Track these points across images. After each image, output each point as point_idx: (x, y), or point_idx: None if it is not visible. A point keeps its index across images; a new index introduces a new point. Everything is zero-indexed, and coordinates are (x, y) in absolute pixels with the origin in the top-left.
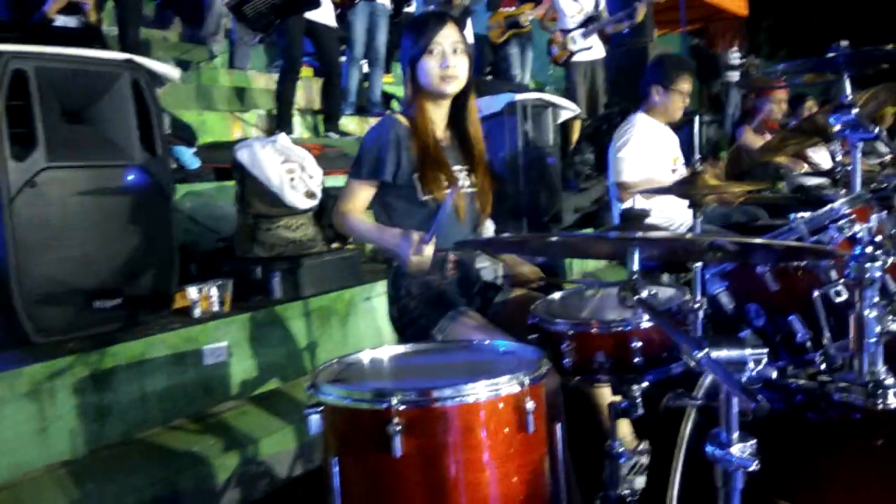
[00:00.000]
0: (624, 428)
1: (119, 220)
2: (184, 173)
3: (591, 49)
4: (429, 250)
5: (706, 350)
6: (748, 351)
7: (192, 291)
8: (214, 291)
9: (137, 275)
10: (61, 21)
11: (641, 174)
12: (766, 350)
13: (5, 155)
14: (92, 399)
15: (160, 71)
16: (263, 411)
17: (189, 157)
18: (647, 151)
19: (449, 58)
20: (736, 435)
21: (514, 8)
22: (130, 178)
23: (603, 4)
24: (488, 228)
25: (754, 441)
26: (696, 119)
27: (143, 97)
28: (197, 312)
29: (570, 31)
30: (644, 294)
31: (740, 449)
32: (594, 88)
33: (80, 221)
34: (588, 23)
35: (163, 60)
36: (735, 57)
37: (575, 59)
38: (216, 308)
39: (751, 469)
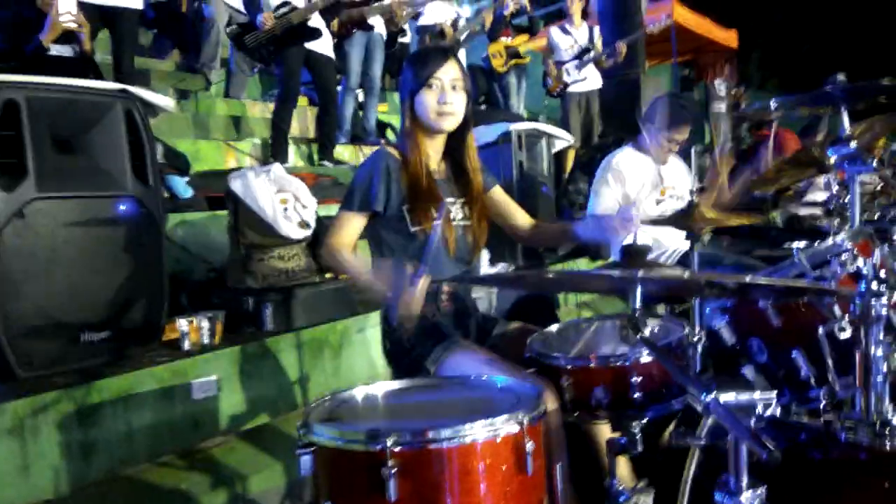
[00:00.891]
0: (623, 466)
1: (109, 251)
2: (176, 202)
3: (585, 80)
4: (421, 286)
5: (714, 394)
6: (757, 395)
7: (182, 323)
8: (205, 323)
9: (126, 307)
10: (56, 51)
11: (615, 205)
12: (774, 393)
13: None
14: (77, 435)
15: (154, 101)
16: (253, 447)
17: (182, 186)
18: (624, 185)
19: (447, 94)
20: (745, 482)
21: (510, 39)
22: (122, 208)
23: (597, 37)
24: (483, 259)
25: (764, 488)
26: (693, 151)
27: (137, 127)
28: (186, 345)
29: (564, 62)
30: (647, 332)
31: (750, 497)
32: (589, 118)
33: (68, 253)
34: (582, 55)
35: (159, 89)
36: (721, 88)
37: (570, 89)
38: (206, 340)
39: None
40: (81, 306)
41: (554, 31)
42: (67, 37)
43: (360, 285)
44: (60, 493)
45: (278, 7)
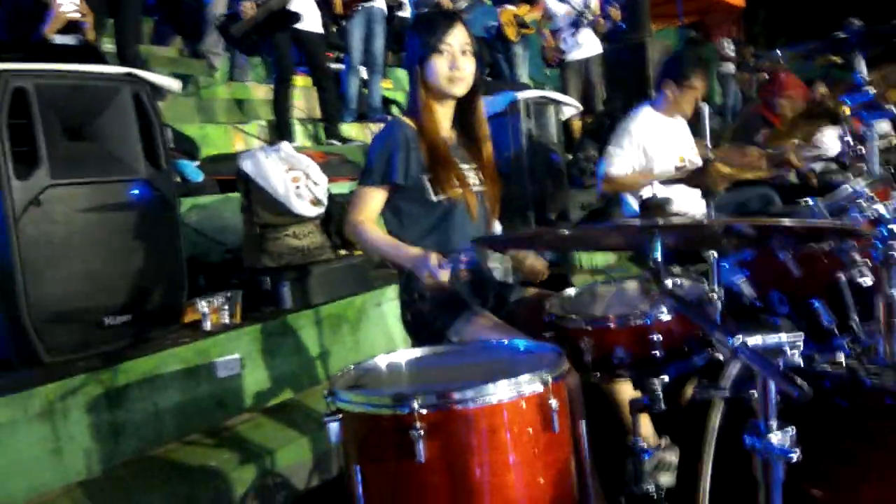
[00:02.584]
0: (645, 424)
1: (126, 236)
2: (187, 186)
3: (582, 47)
4: (445, 274)
5: (741, 338)
6: (784, 336)
7: (202, 304)
8: (224, 303)
9: (146, 290)
10: (60, 40)
11: (629, 168)
12: (801, 334)
13: (9, 174)
14: (105, 417)
15: (161, 83)
16: (278, 423)
17: (192, 170)
18: (643, 146)
19: (458, 59)
20: (775, 424)
21: (514, 7)
22: (135, 192)
23: (593, 1)
24: (497, 229)
25: (794, 429)
26: (705, 109)
27: (145, 111)
28: (207, 325)
29: (561, 31)
30: (668, 283)
31: (780, 437)
32: (589, 85)
33: (86, 238)
34: (577, 21)
35: (163, 75)
36: (730, 48)
37: (568, 57)
38: (226, 320)
39: (793, 459)
40: (102, 291)
41: (550, 1)
42: (71, 26)
43: (390, 259)
44: (92, 473)
45: None
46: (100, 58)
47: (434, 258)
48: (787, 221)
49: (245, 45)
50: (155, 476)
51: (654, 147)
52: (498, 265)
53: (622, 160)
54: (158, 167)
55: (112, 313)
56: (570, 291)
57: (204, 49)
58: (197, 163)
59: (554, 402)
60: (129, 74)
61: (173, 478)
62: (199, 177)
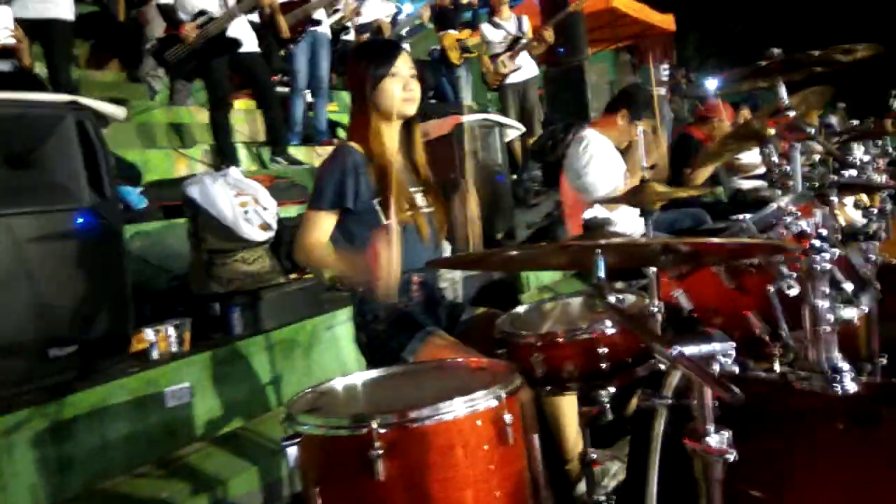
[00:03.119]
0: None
1: (70, 265)
2: (131, 213)
3: (520, 70)
4: (396, 273)
5: (678, 347)
6: (716, 344)
7: (149, 333)
8: (172, 331)
9: (92, 320)
10: None
11: (611, 187)
12: (732, 342)
13: None
14: (51, 451)
15: (105, 110)
16: (230, 452)
17: (135, 196)
18: (609, 165)
19: (409, 81)
20: (711, 427)
21: (457, 32)
22: (80, 221)
23: (527, 25)
24: (446, 249)
25: (730, 431)
26: (640, 130)
27: (89, 138)
28: (155, 354)
29: (498, 55)
30: (611, 299)
31: (717, 440)
32: (527, 107)
33: (29, 268)
34: (513, 45)
35: (101, 100)
36: (664, 72)
37: (507, 80)
38: (175, 348)
39: (730, 459)
40: (47, 322)
41: (485, 26)
42: (3, 52)
43: (342, 277)
44: None
45: (196, 16)
46: (39, 84)
47: (383, 271)
48: (718, 239)
49: (181, 70)
50: None
51: (612, 164)
52: (447, 285)
53: (603, 183)
54: (103, 195)
55: (57, 344)
56: (520, 309)
57: (143, 73)
58: (140, 189)
59: (508, 417)
60: (72, 102)
61: None
62: (143, 203)
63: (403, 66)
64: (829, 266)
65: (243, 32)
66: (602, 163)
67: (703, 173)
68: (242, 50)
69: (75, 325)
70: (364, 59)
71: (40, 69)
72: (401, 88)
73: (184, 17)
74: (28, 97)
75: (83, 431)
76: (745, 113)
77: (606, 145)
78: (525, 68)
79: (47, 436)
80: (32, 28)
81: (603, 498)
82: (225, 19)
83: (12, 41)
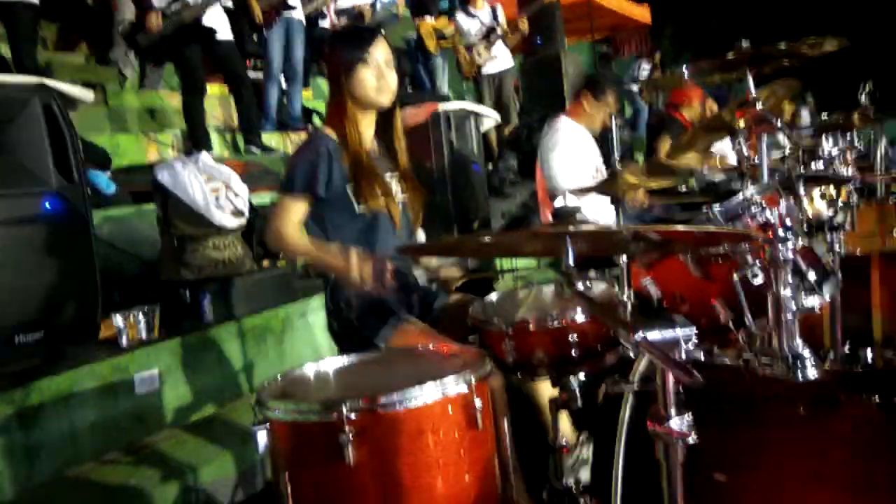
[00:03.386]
0: (564, 421)
1: (37, 250)
2: (99, 198)
3: (496, 60)
4: (367, 262)
5: (641, 333)
6: (679, 330)
7: (118, 319)
8: (141, 318)
9: (59, 305)
10: None
11: (573, 179)
12: (694, 328)
13: None
14: (18, 438)
15: (72, 93)
16: (201, 438)
17: (104, 181)
18: (574, 155)
19: (384, 70)
20: (673, 410)
21: (433, 19)
22: (46, 205)
23: (501, 15)
24: (420, 237)
25: (691, 414)
26: (613, 120)
27: (57, 121)
28: (124, 341)
29: (473, 45)
30: (580, 286)
31: (678, 423)
32: (502, 97)
33: None
34: (488, 34)
35: (70, 83)
36: (643, 69)
37: (483, 71)
38: (144, 335)
39: (690, 441)
40: (12, 307)
41: (459, 16)
42: None
43: (314, 264)
44: (4, 497)
45: (171, 3)
46: (4, 66)
47: (355, 258)
48: (686, 228)
49: (153, 55)
50: (72, 497)
51: (578, 156)
52: (422, 272)
53: (564, 173)
54: (70, 179)
55: (23, 330)
56: (493, 296)
57: (113, 56)
58: (109, 173)
59: (478, 402)
60: (39, 84)
61: (91, 498)
62: (112, 188)
63: (378, 53)
64: (792, 255)
65: (216, 18)
66: (566, 152)
67: (680, 158)
68: (217, 37)
69: (42, 310)
70: (339, 45)
71: (5, 51)
72: (374, 77)
73: (156, 3)
74: None
75: (50, 418)
76: (711, 104)
77: (577, 133)
78: (500, 59)
79: (13, 422)
80: None
81: (572, 482)
82: (200, 6)
83: None
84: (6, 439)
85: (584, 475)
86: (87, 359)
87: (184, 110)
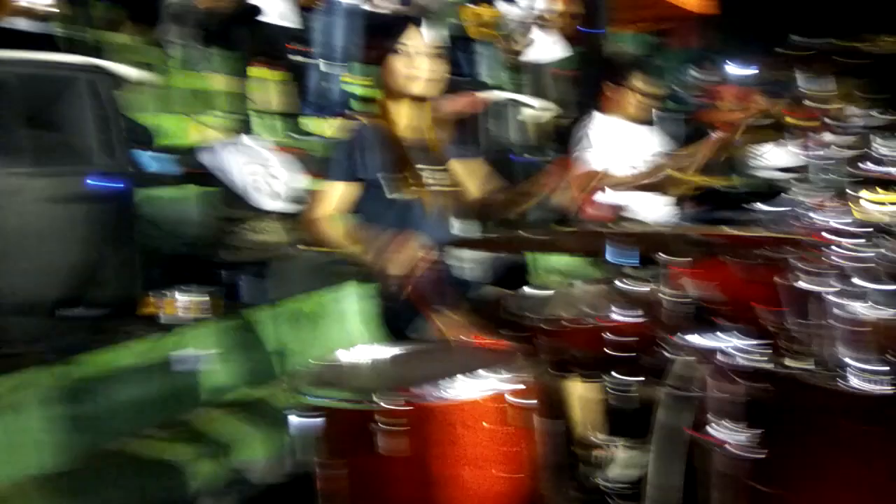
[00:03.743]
0: (599, 421)
1: (81, 226)
2: (143, 177)
3: (535, 47)
4: (405, 252)
5: (687, 338)
6: (726, 336)
7: (159, 297)
8: (181, 297)
9: (102, 282)
10: (13, 25)
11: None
12: (741, 335)
13: None
14: (60, 411)
15: (121, 73)
16: (235, 418)
17: (148, 160)
18: (599, 150)
19: (414, 59)
20: (720, 419)
21: (476, 6)
22: (92, 183)
23: (541, 2)
24: (457, 227)
25: (741, 425)
26: (659, 117)
27: (103, 101)
28: (164, 319)
29: (510, 33)
30: (622, 286)
31: (723, 433)
32: (541, 87)
33: (41, 228)
34: (525, 21)
35: (117, 62)
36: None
37: (524, 58)
38: (183, 314)
39: (738, 452)
40: (57, 282)
41: (500, 3)
42: (22, 11)
43: (345, 255)
44: (45, 468)
45: None
46: (56, 45)
47: (387, 249)
48: (732, 230)
49: (203, 35)
50: (109, 470)
51: (606, 150)
52: (456, 263)
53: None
54: (116, 158)
55: (66, 305)
56: (528, 291)
57: (159, 37)
58: (152, 153)
59: (512, 398)
60: (88, 63)
61: (128, 472)
62: (155, 167)
63: (411, 42)
64: (843, 261)
65: (273, 1)
66: (587, 148)
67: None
68: (265, 19)
69: (85, 286)
70: (377, 34)
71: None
72: (406, 66)
73: None
74: (46, 57)
75: (91, 392)
76: (762, 101)
77: (607, 127)
78: (541, 47)
79: (56, 395)
80: None
81: (603, 482)
82: None
83: (32, 4)
84: (49, 412)
85: (615, 474)
86: (128, 336)
87: (228, 92)
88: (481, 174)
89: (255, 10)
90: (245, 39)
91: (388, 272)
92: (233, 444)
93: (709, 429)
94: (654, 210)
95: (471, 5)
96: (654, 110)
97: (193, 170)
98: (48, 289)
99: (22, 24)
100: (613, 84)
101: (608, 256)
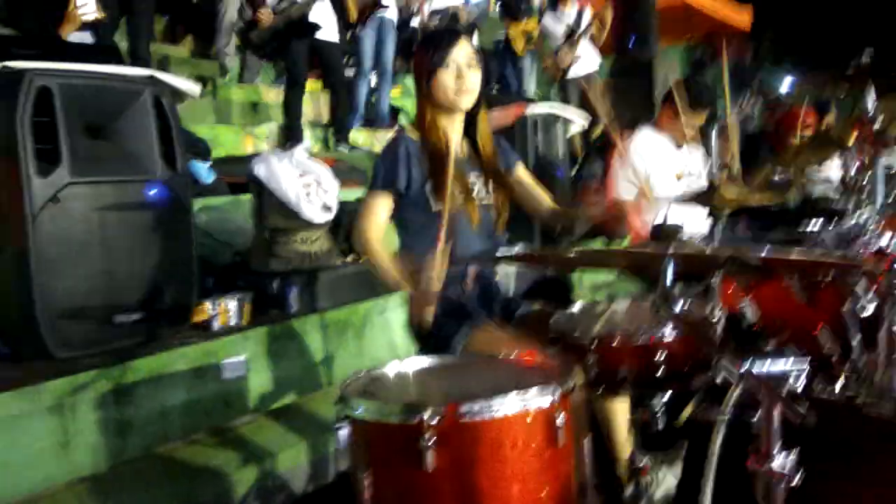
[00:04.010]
0: (643, 441)
1: (140, 235)
2: (199, 188)
3: (581, 61)
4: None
5: (749, 363)
6: (789, 364)
7: (211, 305)
8: (233, 305)
9: (158, 289)
10: (77, 38)
11: (628, 191)
12: (806, 363)
13: (30, 171)
14: (113, 413)
15: (181, 87)
16: (281, 425)
17: (204, 171)
18: (640, 167)
19: (464, 72)
20: (777, 448)
21: (523, 22)
22: (152, 192)
23: (587, 16)
24: (503, 240)
25: (796, 454)
26: (712, 132)
27: (165, 113)
28: (215, 326)
29: (557, 48)
30: (676, 307)
31: (782, 463)
32: (588, 100)
33: (102, 236)
34: (570, 37)
35: (175, 75)
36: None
37: (569, 74)
38: (234, 322)
39: (793, 482)
40: (114, 289)
41: (546, 18)
42: (86, 24)
43: (386, 280)
44: (98, 469)
45: (280, 1)
46: (119, 58)
47: (422, 298)
48: (793, 255)
49: (263, 50)
50: (159, 474)
51: (651, 169)
52: (500, 278)
53: (622, 182)
54: (175, 168)
55: (123, 311)
56: (574, 308)
57: (216, 50)
58: (208, 164)
59: (559, 418)
60: (151, 77)
61: (176, 476)
62: (211, 178)
63: (460, 55)
64: None
65: (325, 19)
66: (629, 164)
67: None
68: (322, 37)
69: (141, 293)
70: (422, 49)
71: (122, 41)
72: (454, 80)
73: (269, 1)
74: (109, 70)
75: (143, 396)
76: (830, 118)
77: (653, 144)
78: (586, 60)
79: (109, 398)
80: (118, 2)
81: None
82: (305, 4)
83: (94, 17)
84: (102, 414)
85: (661, 498)
86: (179, 342)
87: (284, 104)
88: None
89: (310, 26)
90: (298, 54)
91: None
92: (277, 451)
93: (765, 457)
94: (701, 225)
95: (517, 21)
96: (708, 128)
97: (245, 181)
98: (106, 295)
99: (87, 37)
100: (673, 114)
101: (660, 274)
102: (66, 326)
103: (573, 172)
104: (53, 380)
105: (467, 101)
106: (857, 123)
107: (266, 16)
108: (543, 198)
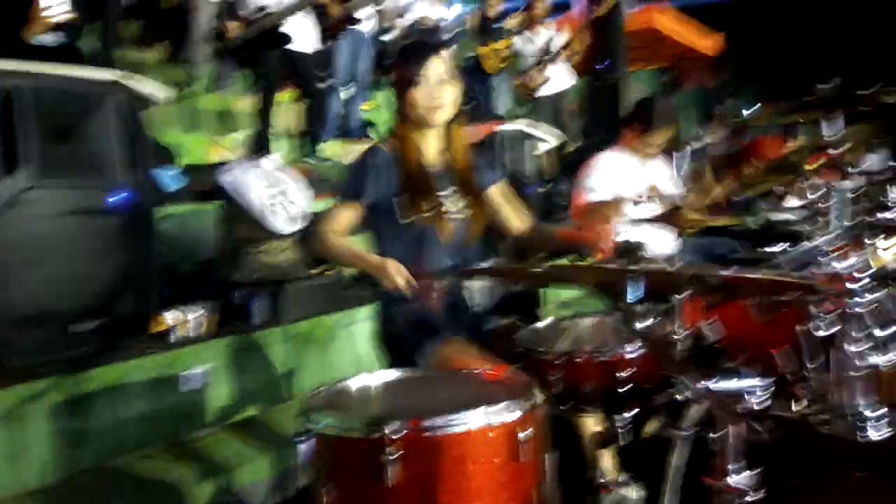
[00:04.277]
0: (607, 458)
1: (100, 241)
2: (162, 195)
3: (551, 81)
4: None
5: (707, 381)
6: (746, 382)
7: (171, 315)
8: (193, 315)
9: (116, 297)
10: (40, 40)
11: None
12: (765, 382)
13: None
14: (66, 424)
15: (148, 91)
16: (240, 439)
17: (169, 178)
18: (605, 189)
19: (435, 88)
20: (735, 465)
21: (494, 42)
22: (113, 199)
23: (558, 40)
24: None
25: (755, 471)
26: (675, 154)
27: (129, 118)
28: (174, 337)
29: (528, 69)
30: (638, 325)
31: (739, 479)
32: (559, 118)
33: (60, 242)
34: (542, 59)
35: (143, 80)
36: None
37: (540, 92)
38: (194, 333)
39: (751, 499)
40: (71, 296)
41: (517, 39)
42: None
43: (353, 265)
44: (48, 482)
45: (258, 10)
46: (80, 59)
47: (392, 266)
48: (753, 274)
49: (236, 58)
50: (111, 487)
51: (617, 188)
52: (468, 292)
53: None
54: (137, 174)
55: (79, 319)
56: (539, 324)
57: (187, 57)
58: (174, 171)
59: (523, 433)
60: (116, 81)
61: (130, 490)
62: (175, 186)
63: (433, 72)
64: (862, 310)
65: (302, 31)
66: (591, 187)
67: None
68: (295, 48)
69: (99, 300)
70: (398, 63)
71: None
72: (427, 96)
73: (242, 13)
74: (73, 73)
75: (98, 407)
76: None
77: (615, 164)
78: (557, 80)
79: (63, 408)
80: (86, 5)
81: None
82: (278, 16)
83: (62, 18)
84: (55, 424)
85: None
86: (137, 352)
87: (254, 114)
88: (514, 198)
89: (282, 37)
90: (270, 63)
91: (389, 284)
92: (236, 465)
93: (723, 473)
94: (663, 244)
95: (490, 41)
96: (673, 150)
97: (212, 190)
98: (61, 302)
99: (49, 39)
100: (641, 129)
101: (623, 292)
102: (18, 334)
103: (542, 190)
104: (3, 389)
105: (440, 116)
106: (816, 150)
107: (233, 27)
108: (514, 221)
